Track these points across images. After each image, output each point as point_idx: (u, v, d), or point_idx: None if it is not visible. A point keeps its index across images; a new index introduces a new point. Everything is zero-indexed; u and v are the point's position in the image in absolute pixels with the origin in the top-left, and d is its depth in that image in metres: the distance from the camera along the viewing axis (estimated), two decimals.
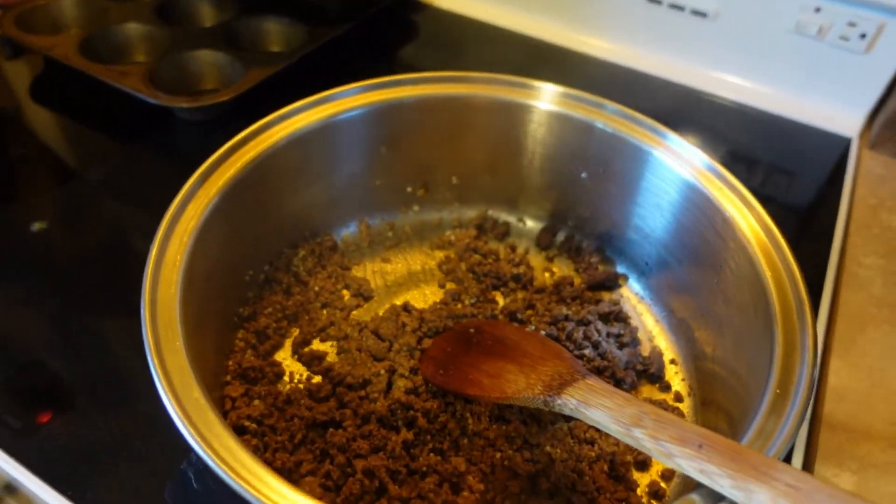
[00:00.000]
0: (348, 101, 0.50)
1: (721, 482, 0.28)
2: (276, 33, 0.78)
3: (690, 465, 0.30)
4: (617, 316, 0.52)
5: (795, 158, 0.73)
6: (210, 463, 0.31)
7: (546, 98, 0.52)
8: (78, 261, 0.55)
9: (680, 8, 0.76)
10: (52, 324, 0.50)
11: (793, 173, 0.72)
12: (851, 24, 0.68)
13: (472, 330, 0.47)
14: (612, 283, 0.55)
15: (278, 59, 0.70)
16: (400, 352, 0.47)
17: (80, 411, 0.44)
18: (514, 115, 0.52)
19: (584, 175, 0.54)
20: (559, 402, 0.37)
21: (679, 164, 0.46)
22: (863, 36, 0.68)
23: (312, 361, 0.48)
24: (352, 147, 0.52)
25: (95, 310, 0.51)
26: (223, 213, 0.43)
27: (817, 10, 0.69)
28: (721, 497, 0.29)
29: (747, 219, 0.43)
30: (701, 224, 0.45)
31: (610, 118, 0.49)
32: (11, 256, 0.55)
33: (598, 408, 0.35)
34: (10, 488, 0.44)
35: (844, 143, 0.73)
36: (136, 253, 0.56)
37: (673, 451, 0.31)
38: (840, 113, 0.74)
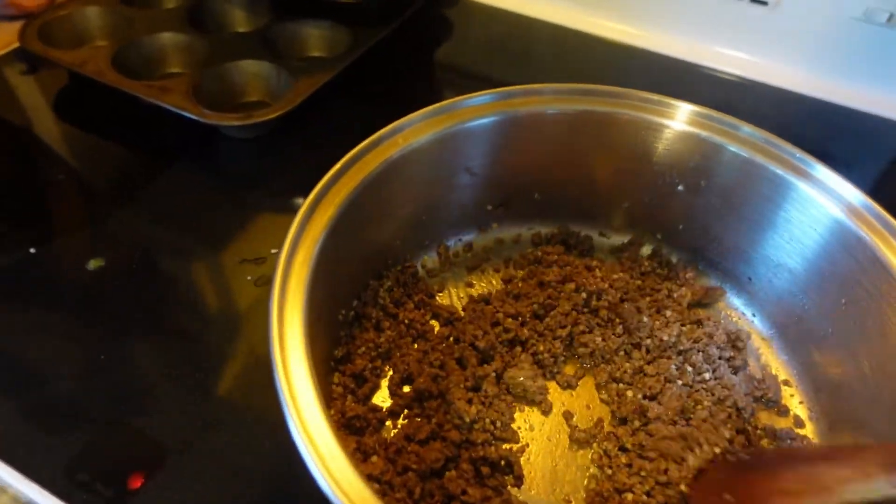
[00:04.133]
0: (470, 110, 0.47)
1: None
2: (316, 38, 0.73)
3: None
4: (731, 337, 0.49)
5: (870, 152, 0.70)
6: None
7: (673, 115, 0.49)
8: (138, 299, 0.52)
9: None
10: (129, 374, 0.47)
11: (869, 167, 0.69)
12: None
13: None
14: (712, 298, 0.52)
15: (323, 66, 0.66)
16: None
17: (174, 469, 0.41)
18: (622, 129, 0.49)
19: (680, 188, 0.51)
20: None
21: (826, 199, 0.43)
22: None
23: (413, 403, 0.45)
24: (450, 165, 0.49)
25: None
26: (328, 249, 0.39)
27: None
28: None
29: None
30: (835, 252, 0.43)
31: (744, 140, 0.46)
32: (67, 294, 0.51)
33: None
34: None
35: None
36: (194, 285, 0.53)
37: None
38: None
